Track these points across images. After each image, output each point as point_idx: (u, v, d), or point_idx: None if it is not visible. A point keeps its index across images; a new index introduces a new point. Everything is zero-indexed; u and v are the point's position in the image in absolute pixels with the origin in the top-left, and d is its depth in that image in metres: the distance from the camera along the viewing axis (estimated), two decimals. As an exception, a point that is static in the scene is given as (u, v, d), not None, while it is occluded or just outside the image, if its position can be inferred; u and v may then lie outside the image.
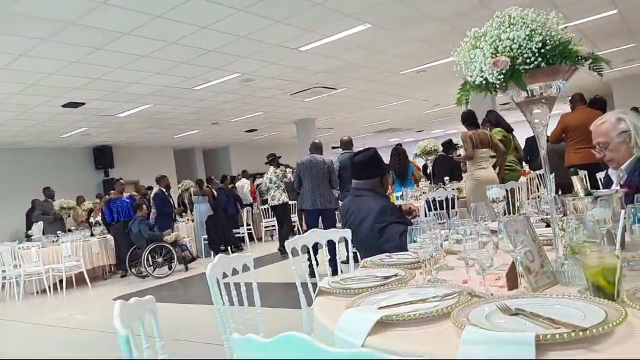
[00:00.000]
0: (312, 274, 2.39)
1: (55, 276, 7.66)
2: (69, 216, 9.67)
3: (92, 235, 8.94)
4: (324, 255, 5.04)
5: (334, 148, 21.43)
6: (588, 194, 1.77)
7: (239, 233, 10.12)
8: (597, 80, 13.06)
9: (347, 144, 6.56)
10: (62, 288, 7.59)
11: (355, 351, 0.62)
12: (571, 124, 5.62)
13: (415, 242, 1.58)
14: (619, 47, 9.46)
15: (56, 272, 7.62)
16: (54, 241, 8.23)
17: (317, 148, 6.37)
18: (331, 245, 2.44)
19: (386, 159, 7.92)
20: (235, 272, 2.03)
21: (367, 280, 1.65)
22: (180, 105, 9.83)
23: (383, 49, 7.59)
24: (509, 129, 6.05)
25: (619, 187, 2.26)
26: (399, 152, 7.14)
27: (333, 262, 2.44)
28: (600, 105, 6.05)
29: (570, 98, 6.02)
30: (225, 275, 1.96)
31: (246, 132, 14.66)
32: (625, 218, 1.31)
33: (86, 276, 7.73)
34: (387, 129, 18.57)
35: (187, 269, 8.11)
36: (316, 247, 2.58)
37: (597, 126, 2.35)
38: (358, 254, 2.65)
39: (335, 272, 2.54)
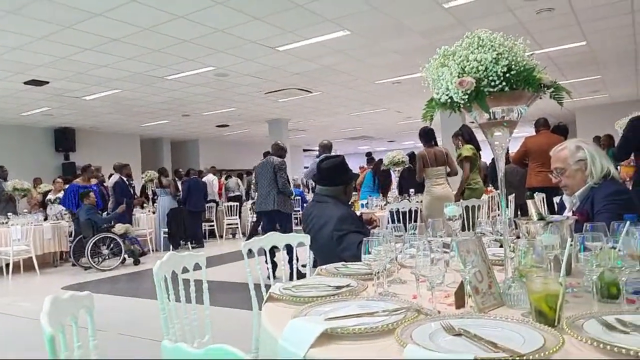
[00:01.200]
0: (274, 276, 2.36)
1: (2, 259, 7.32)
2: (22, 197, 9.23)
3: (46, 218, 8.60)
4: (281, 258, 5.00)
5: (305, 150, 21.49)
6: (541, 218, 1.81)
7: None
8: (563, 107, 13.56)
9: (326, 148, 6.46)
10: (7, 272, 7.26)
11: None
12: (533, 147, 5.78)
13: (369, 253, 1.57)
14: (585, 78, 9.85)
15: (3, 255, 7.28)
16: (3, 223, 7.85)
17: (277, 149, 6.24)
18: (288, 248, 2.41)
19: (355, 165, 7.98)
20: (186, 270, 1.98)
21: (318, 288, 1.63)
22: (150, 94, 9.61)
23: (360, 57, 7.64)
24: (478, 148, 6.16)
25: (570, 214, 2.32)
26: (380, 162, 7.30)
27: (289, 266, 2.43)
28: (562, 131, 6.25)
29: (534, 121, 6.19)
30: (179, 273, 1.92)
31: (217, 126, 14.47)
32: (571, 245, 1.34)
33: (35, 262, 7.41)
34: (359, 136, 18.71)
35: (136, 263, 7.84)
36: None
37: (557, 152, 2.41)
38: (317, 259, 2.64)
39: (291, 277, 2.52)
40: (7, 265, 7.25)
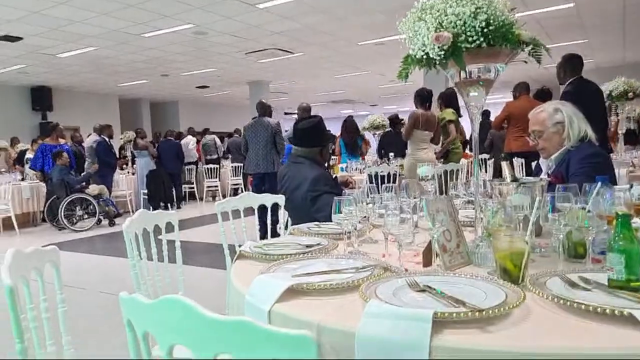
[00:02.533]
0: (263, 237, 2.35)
1: (-20, 218, 7.22)
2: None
3: (23, 178, 8.42)
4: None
5: (286, 114, 21.26)
6: (514, 180, 1.81)
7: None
8: (547, 72, 13.56)
9: (304, 110, 6.27)
10: (-14, 231, 7.18)
11: (231, 319, 0.58)
12: (514, 112, 5.77)
13: (340, 212, 1.56)
14: (571, 42, 9.79)
15: (-19, 214, 7.18)
16: (-21, 182, 7.70)
17: (264, 109, 6.13)
18: (267, 209, 2.39)
19: (337, 129, 7.89)
20: (158, 229, 1.95)
21: (289, 247, 1.63)
22: (127, 52, 9.30)
23: (343, 16, 7.45)
24: (458, 112, 6.10)
25: (546, 176, 2.33)
26: (347, 124, 7.10)
27: (262, 227, 2.40)
28: (545, 96, 6.20)
29: (514, 86, 6.12)
30: (150, 231, 1.89)
31: (197, 87, 14.16)
32: (539, 207, 1.34)
33: (14, 221, 7.32)
34: (342, 100, 18.54)
35: (112, 224, 7.77)
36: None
37: (535, 114, 2.40)
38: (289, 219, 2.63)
39: (263, 236, 2.51)
40: (-14, 224, 7.17)
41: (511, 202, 1.42)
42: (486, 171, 7.78)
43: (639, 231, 1.15)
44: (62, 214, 7.24)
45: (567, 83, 4.38)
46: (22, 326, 1.00)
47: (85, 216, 7.61)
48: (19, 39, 7.97)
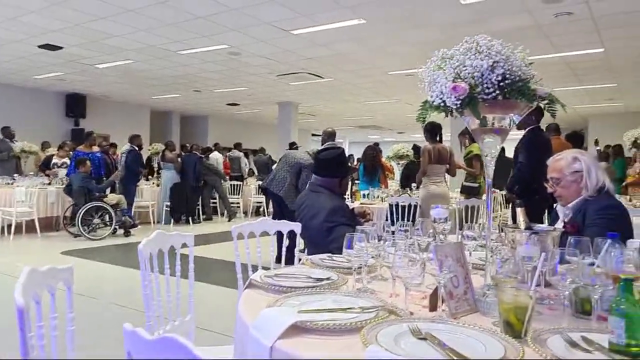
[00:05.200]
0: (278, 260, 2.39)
1: (5, 219, 7.45)
2: (26, 159, 9.36)
3: (49, 183, 8.60)
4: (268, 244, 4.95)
5: (314, 135, 21.45)
6: (528, 228, 1.81)
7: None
8: (576, 113, 13.40)
9: (330, 135, 6.21)
10: (10, 232, 7.39)
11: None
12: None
13: (351, 248, 1.59)
14: (600, 85, 9.69)
15: (6, 215, 7.40)
16: (8, 183, 7.97)
17: (291, 145, 6.22)
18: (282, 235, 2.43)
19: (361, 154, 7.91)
20: (173, 248, 2.01)
21: (299, 279, 1.66)
22: (163, 67, 9.60)
23: (374, 46, 7.57)
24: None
25: (562, 225, 2.32)
26: (374, 151, 7.12)
27: (278, 250, 2.42)
28: (576, 139, 6.15)
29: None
30: (165, 251, 1.95)
31: (227, 104, 14.46)
32: (547, 258, 1.35)
33: (37, 224, 7.54)
34: (369, 125, 18.63)
35: (127, 234, 7.85)
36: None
37: (554, 161, 2.41)
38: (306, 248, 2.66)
39: (278, 260, 2.55)
40: (10, 225, 7.38)
41: (519, 253, 1.43)
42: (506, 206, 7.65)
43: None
44: (80, 221, 7.32)
45: (527, 129, 4.42)
46: (28, 345, 1.03)
47: (102, 225, 7.68)
48: (59, 48, 8.31)
